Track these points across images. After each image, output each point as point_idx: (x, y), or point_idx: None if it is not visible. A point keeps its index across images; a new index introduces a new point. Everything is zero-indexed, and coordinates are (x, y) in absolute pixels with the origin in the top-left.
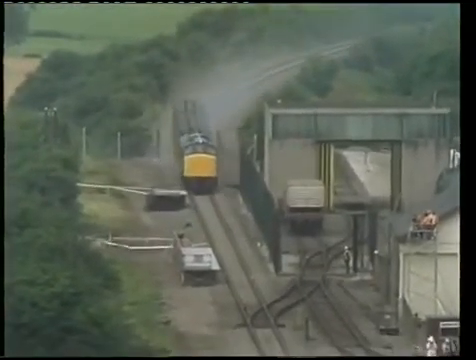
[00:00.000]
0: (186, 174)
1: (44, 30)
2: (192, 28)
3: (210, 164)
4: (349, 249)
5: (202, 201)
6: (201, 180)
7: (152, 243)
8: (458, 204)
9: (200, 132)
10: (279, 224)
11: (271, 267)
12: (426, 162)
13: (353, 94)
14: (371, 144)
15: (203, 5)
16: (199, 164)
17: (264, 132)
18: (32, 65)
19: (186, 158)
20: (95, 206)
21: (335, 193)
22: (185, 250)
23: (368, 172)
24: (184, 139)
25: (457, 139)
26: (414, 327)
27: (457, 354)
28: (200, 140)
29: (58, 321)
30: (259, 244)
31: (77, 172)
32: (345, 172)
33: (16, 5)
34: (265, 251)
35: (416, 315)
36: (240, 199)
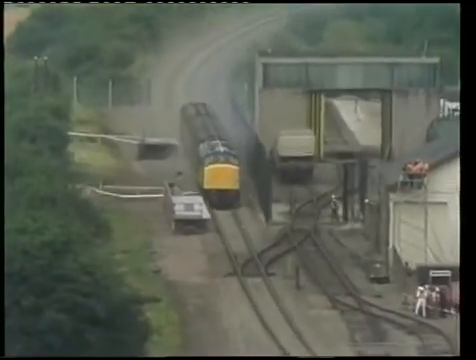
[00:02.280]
0: (206, 186)
1: None
2: None
3: (233, 175)
4: (337, 198)
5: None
6: (223, 193)
7: (143, 192)
8: (448, 153)
9: (221, 139)
10: (270, 173)
11: (262, 216)
12: (416, 111)
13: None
14: (361, 93)
15: None
16: (221, 175)
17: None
18: (22, 14)
19: (206, 169)
20: (86, 155)
21: (325, 142)
22: (176, 199)
23: (358, 121)
24: (203, 147)
25: (447, 88)
26: (404, 276)
27: (447, 303)
28: (221, 149)
29: (49, 269)
30: (250, 195)
31: (68, 121)
32: (335, 121)
33: None
34: (256, 200)
35: (406, 264)
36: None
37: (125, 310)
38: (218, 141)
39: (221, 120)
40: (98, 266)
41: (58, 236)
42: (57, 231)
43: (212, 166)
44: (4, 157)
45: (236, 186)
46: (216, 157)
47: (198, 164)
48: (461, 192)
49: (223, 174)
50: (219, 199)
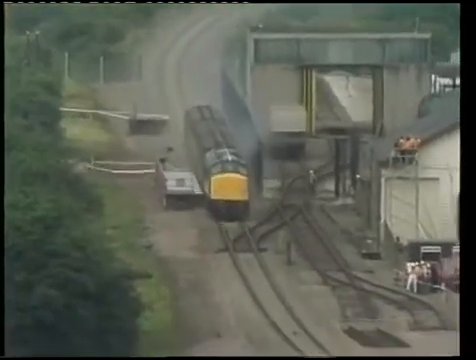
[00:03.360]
0: (213, 197)
1: None
2: None
3: (241, 185)
4: (315, 172)
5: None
6: (231, 204)
7: (134, 167)
8: (440, 128)
9: (229, 147)
10: (261, 149)
11: (253, 192)
12: (408, 87)
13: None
14: (353, 69)
15: None
16: (229, 185)
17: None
18: None
19: (213, 178)
20: (77, 130)
21: (317, 118)
22: (167, 174)
23: (350, 97)
24: (210, 156)
25: (439, 64)
26: (395, 251)
27: (438, 278)
28: (229, 157)
29: (41, 245)
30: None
31: (60, 96)
32: (327, 97)
33: None
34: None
35: (398, 239)
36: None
37: (116, 285)
38: (226, 149)
39: (228, 124)
40: (89, 241)
41: (50, 211)
42: (49, 206)
43: (220, 176)
44: (4, 156)
45: (245, 197)
46: (224, 166)
47: (204, 173)
48: (461, 191)
49: (231, 184)
50: (227, 210)
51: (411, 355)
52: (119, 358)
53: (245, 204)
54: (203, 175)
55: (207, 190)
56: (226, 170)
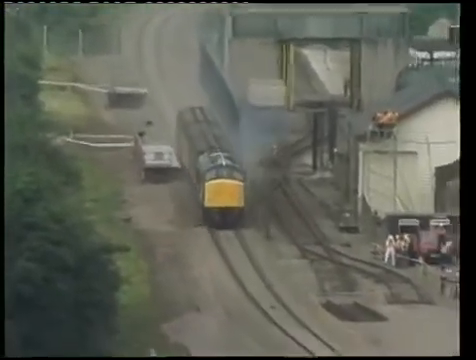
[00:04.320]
0: (207, 204)
1: None
2: None
3: (236, 192)
4: (277, 146)
5: (163, 100)
6: (225, 211)
7: (113, 140)
8: (418, 102)
9: (223, 151)
10: (239, 122)
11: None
12: (385, 61)
13: None
14: (331, 43)
15: None
16: (223, 192)
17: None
18: None
19: (207, 184)
20: (56, 103)
21: (295, 92)
22: (145, 148)
23: (328, 70)
24: (204, 160)
25: (416, 38)
26: (373, 225)
27: (416, 252)
28: (224, 162)
29: (20, 218)
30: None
31: (39, 69)
32: (305, 71)
33: None
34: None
35: (375, 213)
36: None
37: (95, 259)
38: (220, 153)
39: (221, 127)
40: (68, 214)
41: (29, 184)
42: (28, 180)
43: (214, 181)
44: (4, 153)
45: (240, 204)
46: (218, 171)
47: (197, 178)
48: (461, 191)
49: (226, 190)
50: (222, 218)
51: (388, 329)
52: (119, 358)
53: (240, 211)
54: (196, 179)
55: (200, 196)
56: (221, 175)
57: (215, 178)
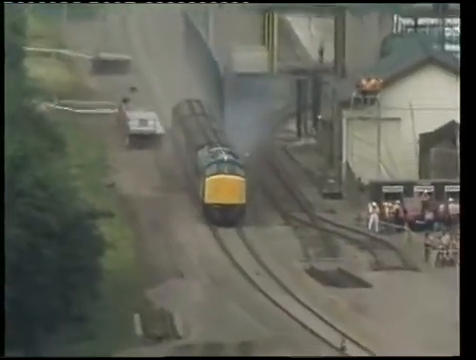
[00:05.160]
0: (207, 200)
1: None
2: None
3: (238, 188)
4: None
5: (148, 66)
6: (226, 208)
7: (97, 107)
8: (401, 69)
9: (223, 146)
10: (223, 89)
11: None
12: (370, 27)
13: None
14: (315, 10)
15: None
16: (225, 188)
17: None
18: None
19: (208, 180)
20: (41, 70)
21: (279, 58)
22: (130, 114)
23: (312, 37)
24: (203, 155)
25: (401, 5)
26: (357, 191)
27: (402, 218)
28: (225, 157)
29: (9, 185)
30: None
31: (23, 36)
32: (289, 38)
33: None
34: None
35: (359, 179)
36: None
37: (79, 224)
38: (220, 148)
39: (219, 121)
40: (53, 180)
41: (16, 151)
42: (14, 146)
43: (215, 177)
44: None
45: (242, 200)
46: (219, 167)
47: (197, 174)
48: (461, 192)
49: (227, 186)
50: (222, 215)
51: (372, 295)
52: (119, 358)
53: (241, 208)
54: (195, 175)
55: (200, 192)
56: (222, 171)
57: (216, 173)
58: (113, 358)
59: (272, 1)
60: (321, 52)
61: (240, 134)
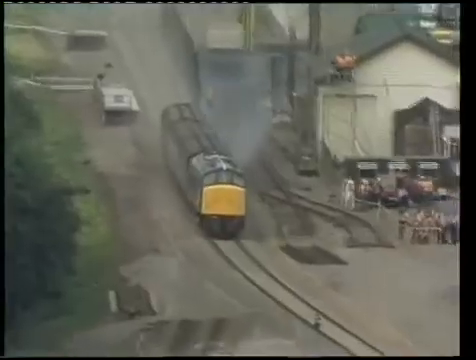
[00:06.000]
0: (205, 211)
1: None
2: None
3: (238, 199)
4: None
5: (123, 40)
6: (225, 220)
7: (73, 83)
8: (377, 45)
9: (220, 153)
10: (198, 66)
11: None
12: (345, 5)
13: None
14: None
15: None
16: (224, 198)
17: None
18: None
19: (206, 190)
20: (17, 46)
21: (254, 35)
22: (105, 90)
23: (289, 17)
24: (199, 163)
25: None
26: (333, 168)
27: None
28: (224, 166)
29: None
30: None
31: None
32: (264, 14)
33: None
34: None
35: (335, 156)
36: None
37: (55, 201)
38: (217, 156)
39: (211, 125)
40: (28, 156)
41: None
42: None
43: (213, 187)
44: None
45: (241, 212)
46: (218, 176)
47: (191, 182)
48: (461, 193)
49: (226, 197)
50: (221, 227)
51: (347, 272)
52: (119, 358)
53: (241, 220)
54: (188, 184)
55: (196, 203)
56: (220, 181)
57: (214, 183)
58: (113, 358)
59: (272, 1)
60: (292, 30)
61: (214, 111)
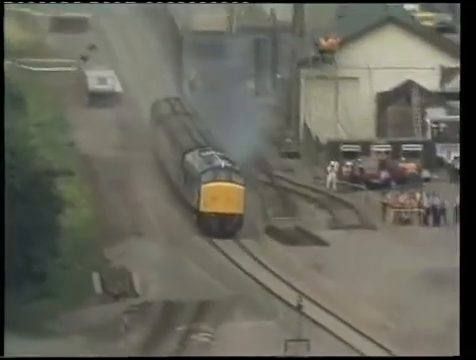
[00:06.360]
0: (203, 209)
1: None
2: None
3: (237, 197)
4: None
5: (107, 22)
6: (224, 218)
7: (56, 65)
8: (360, 28)
9: (215, 149)
10: (182, 48)
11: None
12: None
13: None
14: None
15: None
16: (222, 196)
17: None
18: None
19: (204, 187)
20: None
21: (238, 17)
22: (89, 72)
23: None
24: (195, 160)
25: None
26: (315, 150)
27: (358, 175)
28: (222, 163)
29: None
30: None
31: None
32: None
33: None
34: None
35: (317, 138)
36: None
37: (39, 183)
38: (213, 152)
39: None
40: (12, 139)
41: None
42: None
43: (211, 184)
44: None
45: (240, 210)
46: (216, 173)
47: (186, 180)
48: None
49: (225, 195)
50: (219, 226)
51: (329, 253)
52: (119, 358)
53: (239, 218)
54: (184, 181)
55: (193, 201)
56: (219, 178)
57: (213, 181)
58: (113, 358)
59: (272, 1)
60: (272, 13)
61: (197, 94)
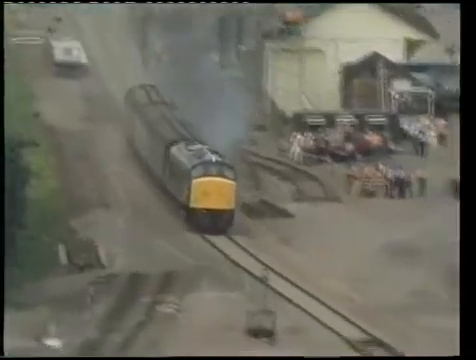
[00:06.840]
0: (193, 205)
1: None
2: None
3: (228, 192)
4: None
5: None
6: (215, 214)
7: (24, 36)
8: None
9: (203, 143)
10: (147, 21)
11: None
12: None
13: None
14: None
15: None
16: (214, 191)
17: None
18: None
19: (194, 182)
20: None
21: None
22: (55, 43)
23: None
24: (182, 153)
25: None
26: (281, 123)
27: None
28: (213, 157)
29: None
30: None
31: None
32: None
33: None
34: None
35: (282, 111)
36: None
37: (3, 154)
38: (201, 146)
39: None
40: None
41: None
42: None
43: (203, 179)
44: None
45: (232, 206)
46: (207, 168)
47: (171, 174)
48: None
49: (217, 190)
50: (211, 221)
51: (295, 226)
52: (119, 358)
53: (230, 214)
54: (169, 175)
55: (183, 197)
56: (209, 173)
57: (203, 175)
58: (113, 358)
59: (272, 1)
60: None
61: (163, 67)
